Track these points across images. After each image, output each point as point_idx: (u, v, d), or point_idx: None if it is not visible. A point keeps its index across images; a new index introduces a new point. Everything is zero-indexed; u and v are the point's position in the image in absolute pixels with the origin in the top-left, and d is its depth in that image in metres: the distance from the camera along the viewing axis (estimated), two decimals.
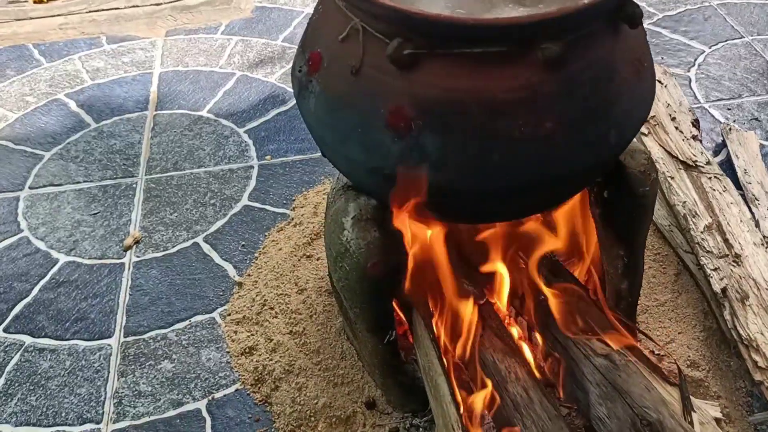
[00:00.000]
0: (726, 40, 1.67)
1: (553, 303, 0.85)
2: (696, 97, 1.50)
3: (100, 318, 1.12)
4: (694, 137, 1.20)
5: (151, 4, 1.89)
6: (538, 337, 0.89)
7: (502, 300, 0.90)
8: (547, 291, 0.87)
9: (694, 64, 1.60)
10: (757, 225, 1.09)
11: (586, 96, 0.67)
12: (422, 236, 0.80)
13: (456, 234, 0.87)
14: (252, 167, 1.39)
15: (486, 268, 0.89)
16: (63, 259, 1.22)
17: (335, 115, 0.72)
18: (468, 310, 0.86)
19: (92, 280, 1.18)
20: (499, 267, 0.89)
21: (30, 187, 1.36)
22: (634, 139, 0.77)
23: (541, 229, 0.90)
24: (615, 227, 0.85)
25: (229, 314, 1.11)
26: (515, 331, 0.91)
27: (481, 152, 0.66)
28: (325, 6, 0.75)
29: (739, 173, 1.24)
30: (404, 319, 0.91)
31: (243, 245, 1.23)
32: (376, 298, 0.80)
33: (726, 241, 1.01)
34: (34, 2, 1.92)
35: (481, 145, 0.66)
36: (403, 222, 0.76)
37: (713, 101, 1.49)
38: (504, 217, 0.80)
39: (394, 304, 0.87)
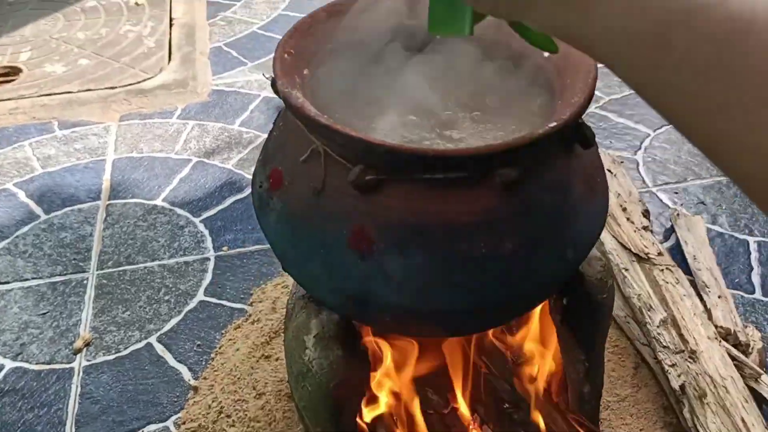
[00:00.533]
0: (669, 123, 1.74)
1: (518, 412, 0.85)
2: (644, 181, 1.55)
3: (47, 430, 1.07)
4: (645, 228, 1.23)
5: (106, 88, 1.88)
6: None
7: (465, 407, 0.89)
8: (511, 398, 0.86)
9: (640, 148, 1.66)
10: (710, 315, 1.11)
11: (543, 216, 0.68)
12: (386, 352, 0.80)
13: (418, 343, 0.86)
14: (208, 259, 1.37)
15: (448, 376, 0.88)
16: (9, 365, 1.16)
17: (297, 233, 0.71)
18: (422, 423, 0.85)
19: (39, 387, 1.13)
20: (460, 373, 0.89)
21: None
22: None
23: (502, 335, 0.90)
24: (575, 332, 0.85)
25: (184, 422, 1.07)
26: None
27: (443, 273, 0.66)
28: (285, 124, 0.76)
29: (689, 260, 1.28)
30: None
31: (198, 345, 1.20)
32: (339, 419, 0.78)
33: (681, 336, 1.03)
34: None
35: (443, 267, 0.66)
36: (369, 340, 0.75)
37: (660, 185, 1.54)
38: (467, 332, 0.80)
39: (358, 420, 0.85)
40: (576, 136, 0.70)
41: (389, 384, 0.89)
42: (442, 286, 0.67)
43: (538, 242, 0.68)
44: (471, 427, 0.91)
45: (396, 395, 0.89)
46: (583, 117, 0.73)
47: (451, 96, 0.81)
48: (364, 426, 0.90)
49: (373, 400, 0.89)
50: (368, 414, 0.86)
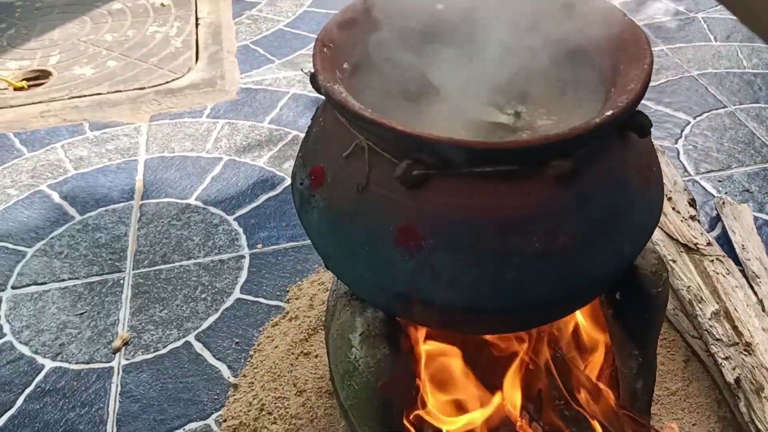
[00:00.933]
0: (710, 110, 1.69)
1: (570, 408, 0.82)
2: (686, 170, 1.51)
3: (89, 429, 1.07)
4: (692, 217, 1.19)
5: (135, 89, 1.88)
6: None
7: (515, 405, 0.87)
8: (561, 395, 0.84)
9: (681, 136, 1.61)
10: (763, 307, 1.07)
11: (598, 209, 0.65)
12: (436, 350, 0.78)
13: (468, 340, 0.84)
14: (243, 257, 1.36)
15: (498, 372, 0.86)
16: (49, 365, 1.17)
17: (341, 231, 0.70)
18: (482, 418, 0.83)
19: (80, 387, 1.13)
20: (511, 371, 0.86)
21: (13, 287, 1.31)
22: None
23: (552, 331, 0.88)
24: (627, 327, 0.83)
25: (225, 420, 1.06)
26: None
27: (494, 270, 0.64)
28: (326, 119, 0.74)
29: (738, 249, 1.23)
30: None
31: (237, 342, 1.19)
32: (386, 417, 0.76)
33: (735, 328, 1.00)
34: (15, 89, 1.91)
35: (495, 264, 0.64)
36: (416, 339, 0.73)
37: (703, 173, 1.50)
38: (519, 329, 0.77)
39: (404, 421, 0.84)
40: (632, 125, 0.67)
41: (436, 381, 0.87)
42: (493, 284, 0.65)
43: (593, 236, 0.65)
44: (520, 424, 0.88)
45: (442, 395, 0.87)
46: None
47: (502, 84, 0.79)
48: (411, 425, 0.88)
49: (421, 399, 0.87)
50: (415, 412, 0.84)
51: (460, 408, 0.87)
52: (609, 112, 0.61)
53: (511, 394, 0.86)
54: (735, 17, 1.82)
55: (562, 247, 0.64)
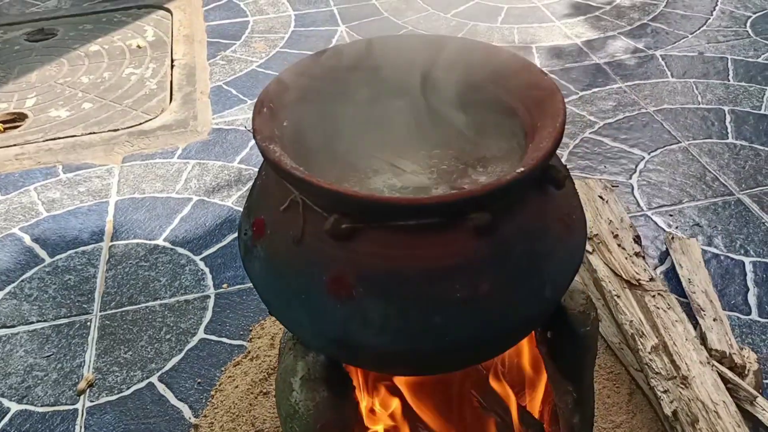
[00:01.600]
0: (664, 146, 1.75)
1: None
2: (639, 205, 1.56)
3: None
4: (637, 254, 1.24)
5: (109, 130, 1.92)
6: None
7: None
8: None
9: (635, 171, 1.67)
10: (704, 339, 1.12)
11: (518, 257, 0.70)
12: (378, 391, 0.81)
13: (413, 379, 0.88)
14: (208, 297, 1.39)
15: (437, 409, 0.89)
16: (15, 407, 1.19)
17: (279, 281, 0.74)
18: None
19: (44, 429, 1.15)
20: (452, 408, 0.90)
21: None
22: None
23: (490, 366, 0.92)
24: (561, 364, 0.87)
25: None
26: None
27: (421, 316, 0.68)
28: (267, 174, 0.78)
29: (684, 283, 1.28)
30: None
31: (199, 382, 1.22)
32: None
33: (673, 362, 1.04)
34: None
35: (421, 310, 0.68)
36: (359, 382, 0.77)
37: (655, 208, 1.55)
38: (449, 370, 0.81)
39: None
40: (547, 179, 0.72)
41: (383, 421, 0.91)
42: (420, 329, 0.68)
43: (514, 283, 0.70)
44: None
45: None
46: (558, 155, 0.76)
47: (430, 140, 0.84)
48: None
49: None
50: None
51: None
52: (520, 170, 0.66)
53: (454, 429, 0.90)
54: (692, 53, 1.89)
55: (484, 294, 0.68)
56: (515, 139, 0.80)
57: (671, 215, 1.53)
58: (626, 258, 1.22)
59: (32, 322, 1.35)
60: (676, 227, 1.49)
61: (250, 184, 1.71)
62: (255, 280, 0.78)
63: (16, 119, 2.00)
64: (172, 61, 2.27)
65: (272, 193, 0.75)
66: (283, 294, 0.73)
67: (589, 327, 0.84)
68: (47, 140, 1.89)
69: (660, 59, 2.14)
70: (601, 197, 1.37)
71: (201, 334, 1.31)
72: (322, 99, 0.82)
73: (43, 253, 1.52)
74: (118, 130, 1.92)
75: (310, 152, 0.78)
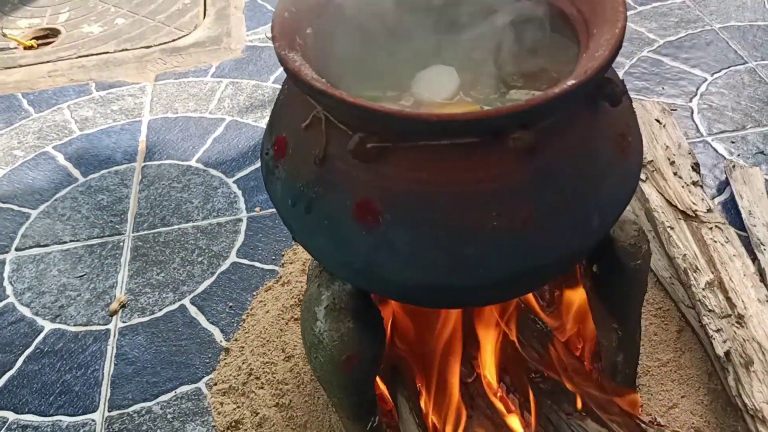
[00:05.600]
0: (729, 67, 1.61)
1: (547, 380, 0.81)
2: (698, 130, 1.45)
3: (84, 391, 1.09)
4: (695, 183, 1.15)
5: (141, 47, 1.87)
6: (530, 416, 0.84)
7: (492, 376, 0.86)
8: (539, 367, 0.83)
9: (696, 94, 1.55)
10: (763, 277, 1.04)
11: (563, 182, 0.63)
12: (407, 323, 0.77)
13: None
14: (241, 220, 1.36)
15: (474, 342, 0.85)
16: (48, 326, 1.19)
17: (301, 204, 0.68)
18: (456, 390, 0.82)
19: (77, 349, 1.15)
20: (488, 341, 0.85)
21: (17, 249, 1.34)
22: None
23: (531, 301, 0.86)
24: (606, 300, 0.80)
25: (216, 384, 1.07)
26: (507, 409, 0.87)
27: (453, 247, 0.62)
28: (290, 87, 0.72)
29: (744, 215, 1.19)
30: (389, 397, 0.87)
31: (231, 306, 1.20)
32: (353, 389, 0.76)
33: (729, 299, 0.96)
34: (24, 48, 1.91)
35: (453, 240, 0.62)
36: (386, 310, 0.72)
37: (716, 134, 1.44)
38: (483, 304, 0.76)
39: (378, 381, 0.84)
40: (602, 94, 0.64)
41: (412, 351, 0.87)
42: (452, 261, 0.63)
43: (557, 211, 0.63)
44: (497, 396, 0.88)
45: (420, 362, 0.86)
46: (615, 69, 0.67)
47: (473, 51, 0.76)
48: (386, 392, 0.88)
49: (396, 366, 0.87)
50: (388, 381, 0.84)
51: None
52: (570, 82, 0.58)
53: (489, 365, 0.85)
54: None
55: (522, 222, 0.62)
56: (567, 52, 0.71)
57: (733, 142, 1.42)
58: (682, 187, 1.12)
59: (65, 242, 1.34)
60: (738, 155, 1.38)
61: None
62: (277, 203, 0.73)
63: (49, 35, 1.96)
64: None
65: (294, 108, 0.69)
66: (306, 219, 0.68)
67: (639, 261, 0.77)
68: (80, 57, 1.85)
69: None
70: (658, 121, 1.27)
71: (233, 257, 1.28)
72: (351, 7, 0.74)
73: (76, 173, 1.50)
74: (150, 46, 1.87)
75: (336, 64, 0.71)
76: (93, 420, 1.05)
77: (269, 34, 0.70)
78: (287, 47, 0.65)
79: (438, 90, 0.72)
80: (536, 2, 0.71)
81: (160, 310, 1.21)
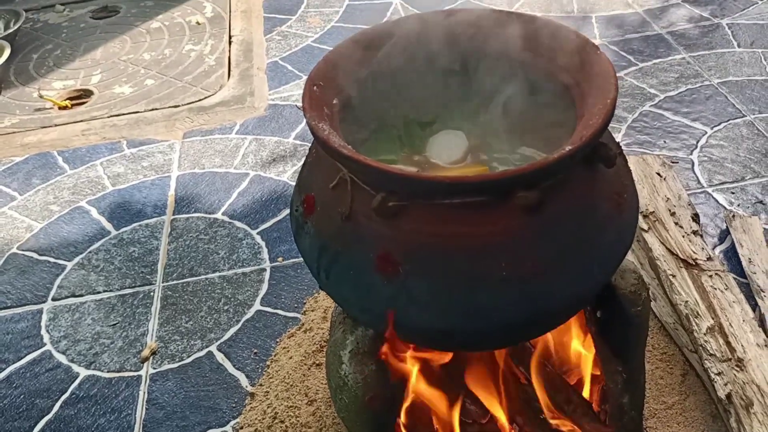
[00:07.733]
0: (728, 120, 1.69)
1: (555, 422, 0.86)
2: (699, 182, 1.52)
3: None
4: (695, 232, 1.21)
5: (170, 107, 1.98)
6: None
7: (503, 417, 0.91)
8: (547, 408, 0.88)
9: (696, 147, 1.62)
10: (762, 321, 1.09)
11: (565, 236, 0.70)
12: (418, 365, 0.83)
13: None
14: (264, 270, 1.43)
15: (484, 384, 0.90)
16: (83, 373, 1.26)
17: (328, 257, 0.75)
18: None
19: (111, 394, 1.22)
20: (500, 383, 0.91)
21: (53, 299, 1.41)
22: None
23: (539, 343, 0.92)
24: (611, 344, 0.86)
25: (242, 427, 1.13)
26: None
27: (466, 294, 0.69)
28: (317, 151, 0.80)
29: (744, 263, 1.25)
30: None
31: (255, 353, 1.26)
32: (376, 427, 0.81)
33: (728, 343, 1.02)
34: (59, 108, 2.03)
35: (466, 288, 0.69)
36: (398, 355, 0.78)
37: (716, 185, 1.50)
38: (493, 348, 0.82)
39: (399, 421, 0.89)
40: (598, 156, 0.71)
41: (429, 394, 0.92)
42: (465, 307, 0.69)
43: (561, 262, 0.70)
44: None
45: (436, 405, 0.92)
46: (617, 129, 0.75)
47: (481, 118, 0.84)
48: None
49: (414, 408, 0.92)
50: (408, 423, 0.89)
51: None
52: (568, 148, 0.65)
53: (501, 407, 0.91)
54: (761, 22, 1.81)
55: (528, 273, 0.68)
56: (567, 115, 0.79)
57: (733, 192, 1.48)
58: (683, 236, 1.19)
59: (99, 292, 1.42)
60: (738, 205, 1.45)
61: (304, 159, 1.74)
62: (305, 256, 0.80)
63: (82, 95, 2.08)
64: (230, 37, 2.31)
65: (322, 170, 0.77)
66: (332, 270, 0.75)
67: (640, 307, 0.83)
68: (112, 116, 1.96)
69: (726, 28, 2.05)
70: (658, 174, 1.34)
71: (257, 305, 1.35)
72: (372, 76, 0.83)
73: (109, 226, 1.59)
74: (178, 106, 1.98)
75: (360, 130, 0.79)
76: None
77: (299, 104, 0.78)
78: (317, 118, 0.73)
79: (449, 153, 0.80)
80: (539, 74, 0.79)
81: (189, 356, 1.27)
